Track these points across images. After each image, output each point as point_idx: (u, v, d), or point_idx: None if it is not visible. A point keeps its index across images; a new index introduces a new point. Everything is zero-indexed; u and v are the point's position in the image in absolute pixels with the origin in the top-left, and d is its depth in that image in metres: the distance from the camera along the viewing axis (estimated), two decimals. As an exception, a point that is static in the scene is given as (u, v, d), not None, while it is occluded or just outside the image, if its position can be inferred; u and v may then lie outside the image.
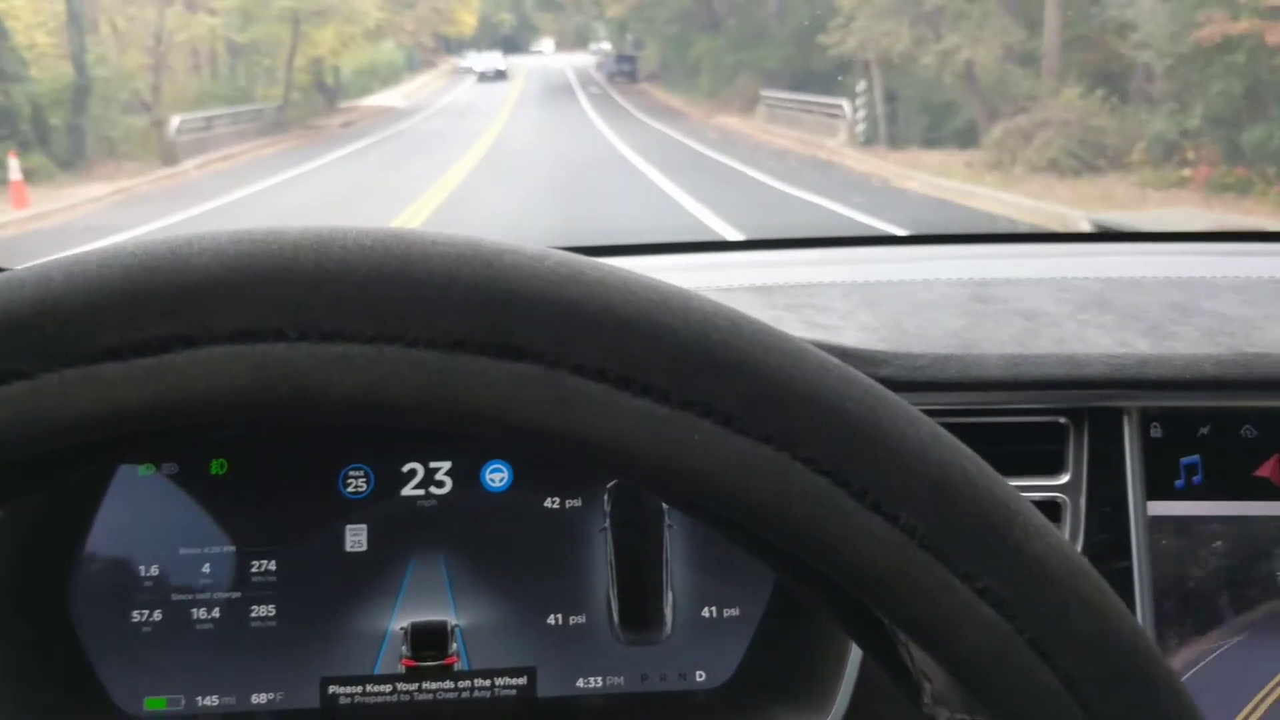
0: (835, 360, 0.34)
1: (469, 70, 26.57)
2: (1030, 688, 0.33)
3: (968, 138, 10.83)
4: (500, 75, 25.79)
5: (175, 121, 11.75)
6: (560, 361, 0.31)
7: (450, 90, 23.03)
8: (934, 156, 10.55)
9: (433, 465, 0.81)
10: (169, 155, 11.35)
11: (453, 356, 0.30)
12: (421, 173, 10.47)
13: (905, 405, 0.34)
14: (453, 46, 27.86)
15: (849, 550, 0.33)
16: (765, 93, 15.11)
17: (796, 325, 0.79)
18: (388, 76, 22.47)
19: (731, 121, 15.31)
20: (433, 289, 0.30)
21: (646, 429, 0.31)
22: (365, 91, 20.26)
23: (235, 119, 13.64)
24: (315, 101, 16.71)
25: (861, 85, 11.99)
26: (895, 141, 11.53)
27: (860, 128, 11.96)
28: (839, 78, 12.49)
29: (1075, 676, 0.33)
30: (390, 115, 17.63)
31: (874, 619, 0.41)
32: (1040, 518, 0.35)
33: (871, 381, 0.34)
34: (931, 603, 0.33)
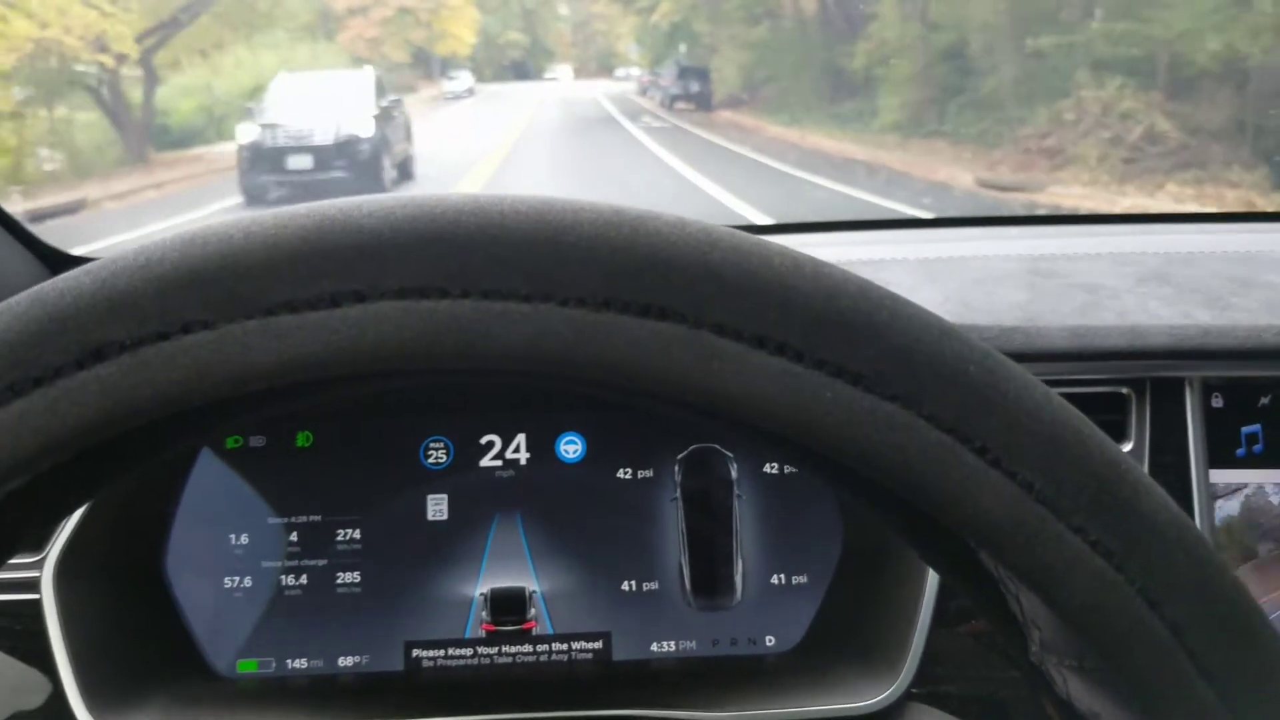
0: (955, 326, 0.36)
1: (455, 94, 23.30)
2: (1138, 634, 0.36)
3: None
4: (470, 93, 23.20)
5: None
6: (701, 321, 0.33)
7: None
8: None
9: (510, 437, 0.84)
10: None
11: (601, 314, 0.32)
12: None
13: (1022, 370, 0.36)
14: (447, 68, 24.40)
15: (969, 502, 0.35)
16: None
17: None
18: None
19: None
20: (582, 251, 0.32)
21: (781, 385, 0.33)
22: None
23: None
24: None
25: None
26: None
27: None
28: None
29: (1181, 624, 0.35)
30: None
31: (984, 573, 0.43)
32: (1146, 476, 0.37)
33: (990, 348, 0.36)
34: (1046, 553, 0.35)
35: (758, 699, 0.77)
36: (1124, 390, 0.80)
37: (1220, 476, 0.78)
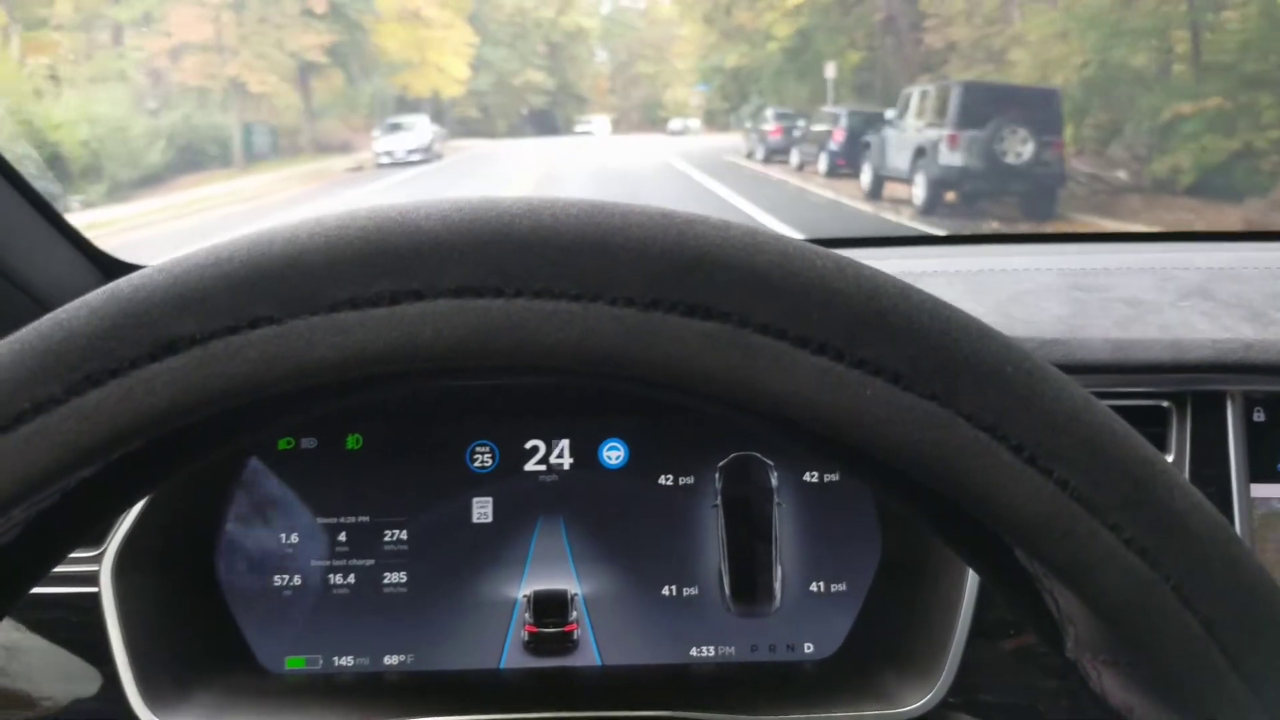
0: (993, 328, 0.37)
1: (394, 159, 15.31)
2: (1172, 631, 0.36)
3: None
4: (424, 156, 15.68)
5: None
6: (746, 321, 0.34)
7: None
8: None
9: (554, 442, 0.86)
10: None
11: (649, 314, 0.34)
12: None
13: (1058, 371, 0.37)
14: (432, 111, 17.19)
15: (1005, 499, 0.36)
16: None
17: None
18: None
19: None
20: (631, 253, 0.34)
21: (823, 383, 0.34)
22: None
23: None
24: None
25: None
26: None
27: None
28: None
29: (1214, 621, 0.36)
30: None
31: (1020, 570, 0.44)
32: (1180, 476, 0.38)
33: (1027, 350, 0.37)
34: (1080, 549, 0.36)
35: (795, 705, 0.78)
36: (1165, 403, 0.80)
37: (1262, 491, 0.78)
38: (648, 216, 0.35)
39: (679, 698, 0.80)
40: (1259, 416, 0.79)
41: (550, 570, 0.84)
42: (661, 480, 0.85)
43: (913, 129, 10.72)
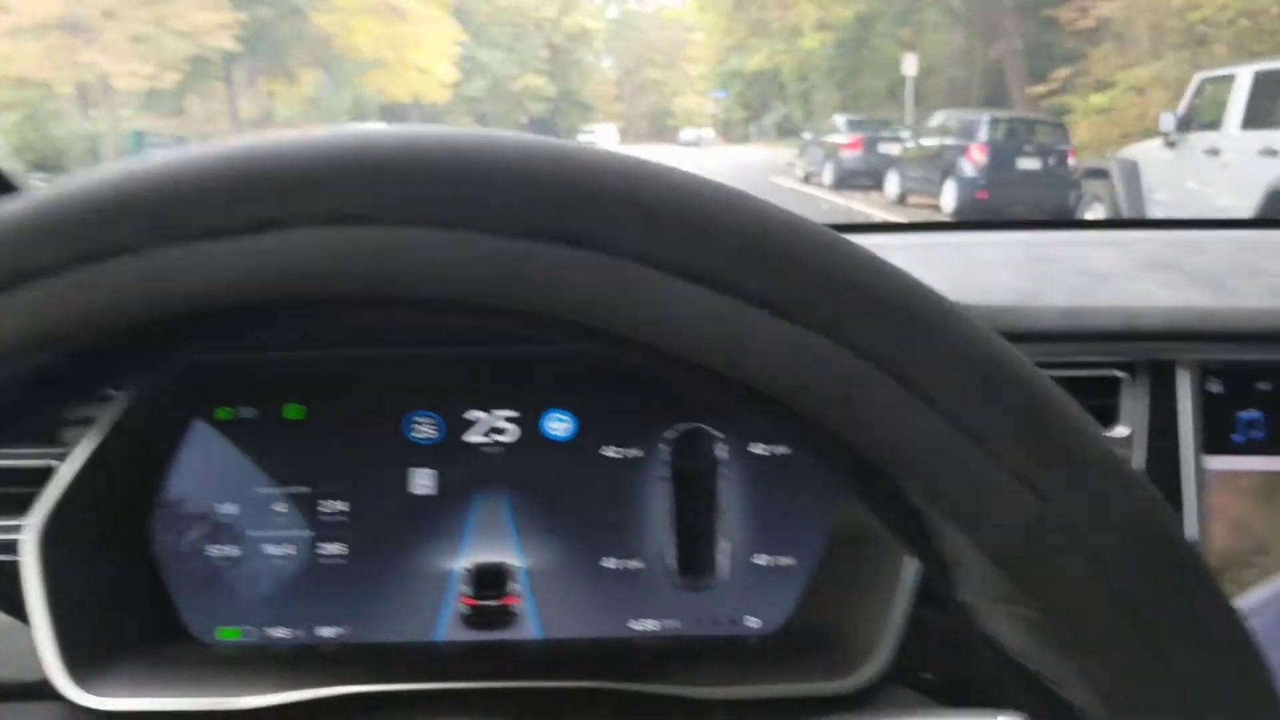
0: (886, 261, 0.35)
1: None
2: (1061, 569, 0.35)
3: None
4: None
5: None
6: (621, 250, 0.33)
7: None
8: None
9: (497, 413, 0.84)
10: None
11: (519, 242, 0.32)
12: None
13: (952, 303, 0.35)
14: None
15: (890, 431, 0.34)
16: None
17: None
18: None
19: None
20: (502, 178, 0.32)
21: (700, 314, 0.33)
22: None
23: None
24: None
25: None
26: None
27: None
28: None
29: (1106, 559, 0.34)
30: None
31: (910, 509, 0.42)
32: (1079, 412, 0.36)
33: (919, 280, 0.35)
34: (967, 484, 0.34)
35: (736, 678, 0.76)
36: (1119, 373, 0.78)
37: (1216, 463, 0.76)
38: (524, 144, 0.34)
39: (620, 670, 0.78)
40: (1215, 387, 0.77)
41: (491, 543, 0.82)
42: (609, 452, 0.84)
43: (1243, 143, 6.34)
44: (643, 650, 0.81)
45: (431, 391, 0.84)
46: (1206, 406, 0.77)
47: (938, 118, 11.60)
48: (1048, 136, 10.12)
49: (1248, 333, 0.75)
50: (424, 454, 0.83)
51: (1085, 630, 0.36)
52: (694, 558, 0.82)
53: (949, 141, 10.26)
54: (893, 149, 12.02)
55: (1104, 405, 0.78)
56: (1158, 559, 0.35)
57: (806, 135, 14.61)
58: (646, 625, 0.82)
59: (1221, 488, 0.76)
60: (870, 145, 12.19)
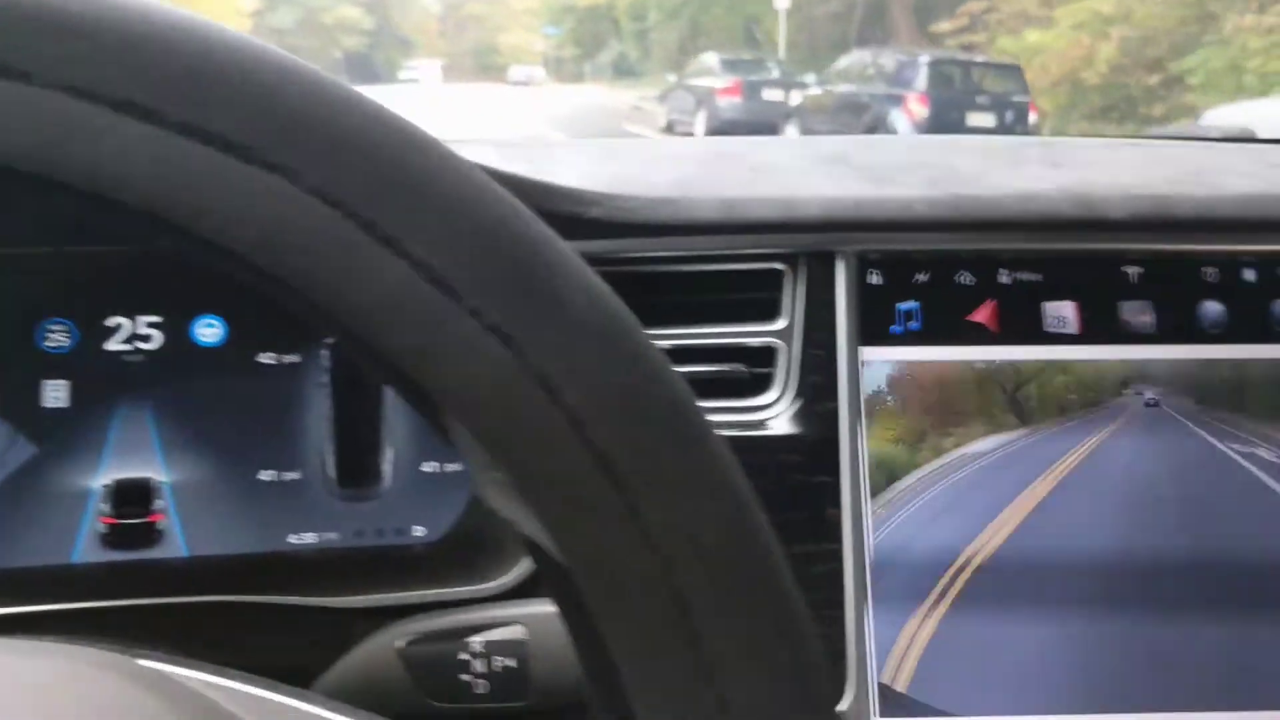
0: (368, 100, 0.32)
1: None
2: (537, 429, 0.32)
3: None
4: None
5: None
6: (52, 81, 0.28)
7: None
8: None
9: (139, 319, 0.78)
10: None
11: None
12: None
13: (438, 142, 0.32)
14: None
15: (352, 284, 0.31)
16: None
17: (516, 165, 0.76)
18: None
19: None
20: None
21: (143, 154, 0.29)
22: None
23: None
24: None
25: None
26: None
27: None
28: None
29: (585, 418, 0.32)
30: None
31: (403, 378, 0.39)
32: (578, 266, 0.33)
33: (419, 129, 0.32)
34: (431, 337, 0.31)
35: (391, 585, 0.74)
36: (779, 266, 0.77)
37: (872, 354, 0.76)
38: None
39: (272, 584, 0.74)
40: (874, 278, 0.77)
41: (133, 458, 0.77)
42: (263, 358, 0.79)
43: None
44: (298, 563, 0.77)
45: (64, 295, 0.77)
46: (865, 298, 0.77)
47: (846, 59, 10.06)
48: (1000, 83, 8.37)
49: (902, 221, 0.75)
50: (57, 364, 0.77)
51: (564, 492, 0.33)
52: (355, 467, 0.78)
53: (874, 90, 8.57)
54: (776, 95, 10.50)
55: (766, 298, 0.77)
56: (643, 414, 0.33)
57: (671, 77, 13.18)
58: (305, 539, 0.78)
59: (879, 377, 0.76)
60: (751, 90, 10.57)
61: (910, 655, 0.71)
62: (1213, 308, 0.77)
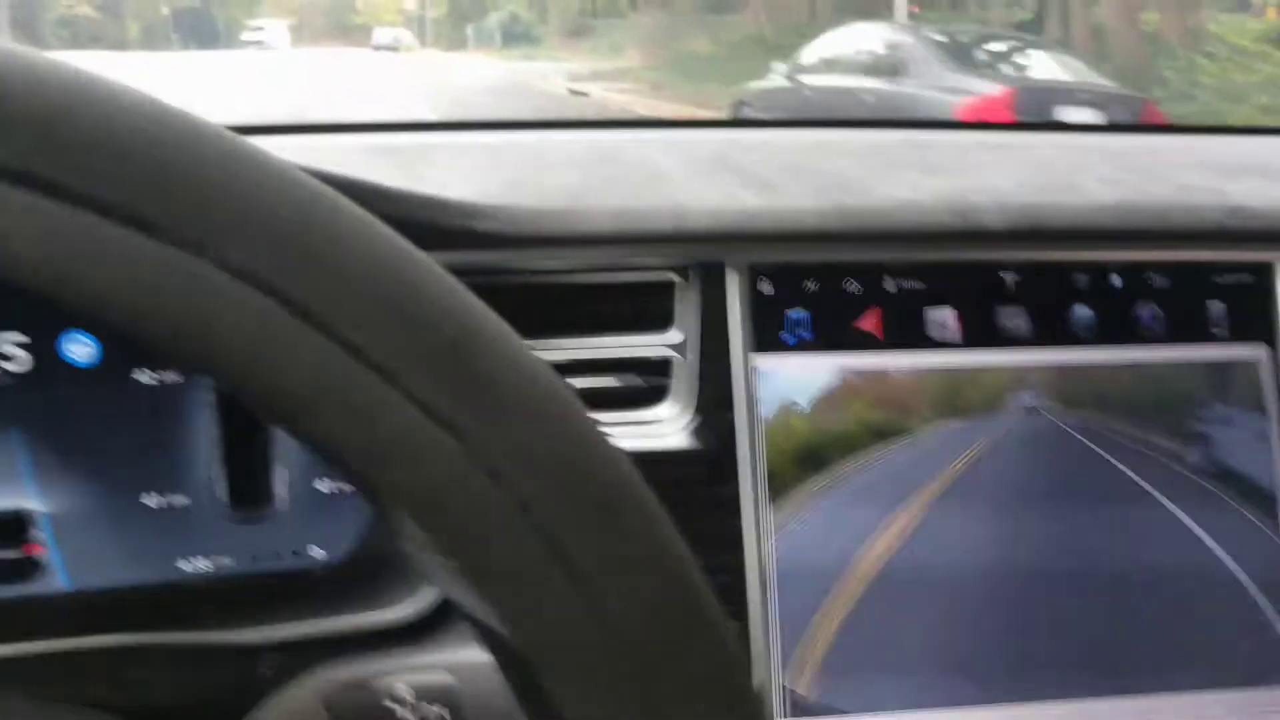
0: (281, 162, 0.30)
1: None
2: (484, 515, 0.32)
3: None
4: None
5: None
6: None
7: None
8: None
9: (4, 336, 0.74)
10: None
11: None
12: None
13: (362, 212, 0.31)
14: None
15: (279, 371, 0.30)
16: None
17: (395, 178, 0.74)
18: None
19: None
20: None
21: (35, 227, 0.27)
22: None
23: None
24: None
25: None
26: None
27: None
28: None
29: (532, 500, 0.32)
30: None
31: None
32: (509, 337, 0.33)
33: (318, 187, 0.31)
34: (373, 425, 0.30)
35: (294, 614, 0.72)
36: (672, 277, 0.78)
37: (764, 363, 0.77)
38: None
39: (165, 617, 0.72)
40: (765, 288, 0.78)
41: (5, 487, 0.73)
42: (142, 378, 0.76)
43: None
44: (192, 593, 0.75)
45: None
46: (757, 307, 0.78)
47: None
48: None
49: (790, 233, 0.76)
50: None
51: (515, 577, 0.33)
52: (247, 487, 0.76)
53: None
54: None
55: (660, 310, 0.78)
56: (591, 495, 0.33)
57: (405, 35, 10.79)
58: (198, 565, 0.76)
59: (773, 386, 0.77)
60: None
61: (813, 659, 0.73)
62: (1083, 312, 0.80)
